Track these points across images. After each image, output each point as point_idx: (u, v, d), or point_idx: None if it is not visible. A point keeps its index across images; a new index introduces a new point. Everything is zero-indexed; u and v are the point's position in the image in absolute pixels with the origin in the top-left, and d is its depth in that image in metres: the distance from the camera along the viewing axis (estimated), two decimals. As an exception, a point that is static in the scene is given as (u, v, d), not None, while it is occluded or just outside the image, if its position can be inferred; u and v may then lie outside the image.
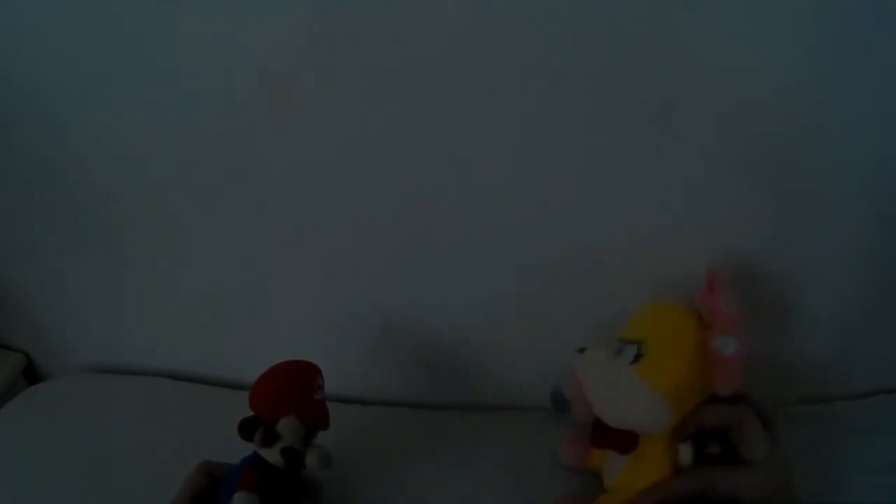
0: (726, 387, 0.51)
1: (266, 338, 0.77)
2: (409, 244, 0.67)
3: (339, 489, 0.65)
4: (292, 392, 0.57)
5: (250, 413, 0.57)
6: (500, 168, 0.61)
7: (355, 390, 0.78)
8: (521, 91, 0.56)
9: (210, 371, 0.83)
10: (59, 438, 0.75)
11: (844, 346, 0.69)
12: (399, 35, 0.55)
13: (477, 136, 0.59)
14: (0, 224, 0.78)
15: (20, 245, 0.80)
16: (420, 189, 0.63)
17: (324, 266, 0.71)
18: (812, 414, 0.69)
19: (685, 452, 0.51)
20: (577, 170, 0.60)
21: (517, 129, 0.58)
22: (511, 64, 0.55)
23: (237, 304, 0.76)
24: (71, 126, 0.67)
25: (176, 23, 0.58)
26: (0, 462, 0.72)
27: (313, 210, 0.67)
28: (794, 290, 0.63)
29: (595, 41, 0.53)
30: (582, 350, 0.55)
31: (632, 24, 0.52)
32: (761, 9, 0.50)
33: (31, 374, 0.94)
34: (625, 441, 0.53)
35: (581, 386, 0.52)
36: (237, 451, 0.57)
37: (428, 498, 0.65)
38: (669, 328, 0.53)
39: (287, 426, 0.56)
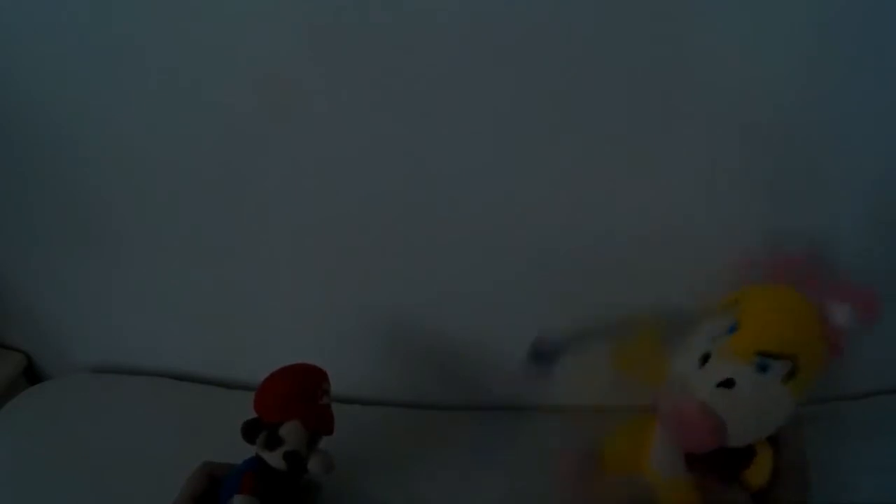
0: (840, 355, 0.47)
1: (266, 338, 0.77)
2: (410, 244, 0.67)
3: (339, 489, 0.65)
4: (297, 397, 0.57)
5: (252, 414, 0.57)
6: (502, 167, 0.61)
7: (355, 390, 0.78)
8: (521, 90, 0.56)
9: (210, 371, 0.83)
10: (59, 438, 0.75)
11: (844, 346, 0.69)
12: (399, 37, 0.55)
13: (478, 135, 0.59)
14: (0, 224, 0.78)
15: (20, 245, 0.80)
16: (421, 189, 0.63)
17: (324, 266, 0.71)
18: (812, 414, 0.69)
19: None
20: (579, 168, 0.60)
21: (519, 129, 0.58)
22: (512, 63, 0.55)
23: (237, 304, 0.76)
24: (70, 126, 0.67)
25: (175, 24, 0.58)
26: (0, 462, 0.72)
27: (314, 210, 0.67)
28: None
29: (597, 44, 0.53)
30: (729, 383, 0.45)
31: (633, 26, 0.52)
32: (762, 12, 0.50)
33: (31, 374, 0.94)
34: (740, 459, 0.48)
35: (718, 426, 0.45)
36: (238, 451, 0.57)
37: (428, 498, 0.65)
38: (816, 335, 0.47)
39: (290, 431, 0.56)
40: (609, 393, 0.55)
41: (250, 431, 0.56)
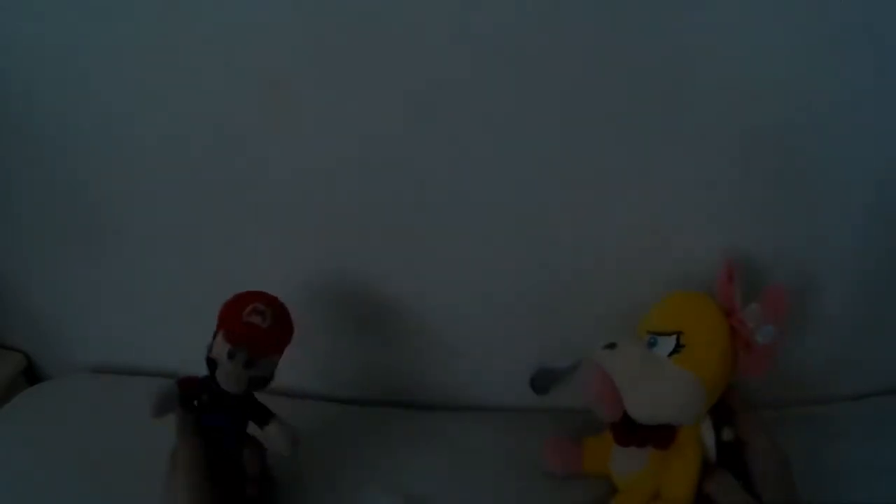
0: (758, 373, 0.52)
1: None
2: (409, 246, 0.67)
3: (336, 489, 0.65)
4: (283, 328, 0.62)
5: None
6: (500, 167, 0.61)
7: (353, 390, 0.78)
8: (521, 90, 0.56)
9: (210, 371, 0.83)
10: (59, 438, 0.75)
11: (844, 347, 0.69)
12: (399, 38, 0.55)
13: (477, 136, 0.59)
14: (0, 224, 0.78)
15: (20, 245, 0.80)
16: (421, 189, 0.63)
17: (324, 267, 0.71)
18: (812, 414, 0.70)
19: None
20: (577, 169, 0.60)
21: (518, 129, 0.58)
22: (511, 64, 0.55)
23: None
24: (70, 126, 0.67)
25: (175, 24, 0.58)
26: (0, 462, 0.72)
27: (313, 211, 0.67)
28: (794, 292, 0.63)
29: (596, 42, 0.54)
30: (612, 345, 0.53)
31: (633, 23, 0.52)
32: (762, 9, 0.50)
33: (31, 374, 0.94)
34: (663, 436, 0.52)
35: (609, 383, 0.51)
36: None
37: (426, 498, 0.65)
38: (705, 318, 0.53)
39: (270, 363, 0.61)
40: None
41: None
